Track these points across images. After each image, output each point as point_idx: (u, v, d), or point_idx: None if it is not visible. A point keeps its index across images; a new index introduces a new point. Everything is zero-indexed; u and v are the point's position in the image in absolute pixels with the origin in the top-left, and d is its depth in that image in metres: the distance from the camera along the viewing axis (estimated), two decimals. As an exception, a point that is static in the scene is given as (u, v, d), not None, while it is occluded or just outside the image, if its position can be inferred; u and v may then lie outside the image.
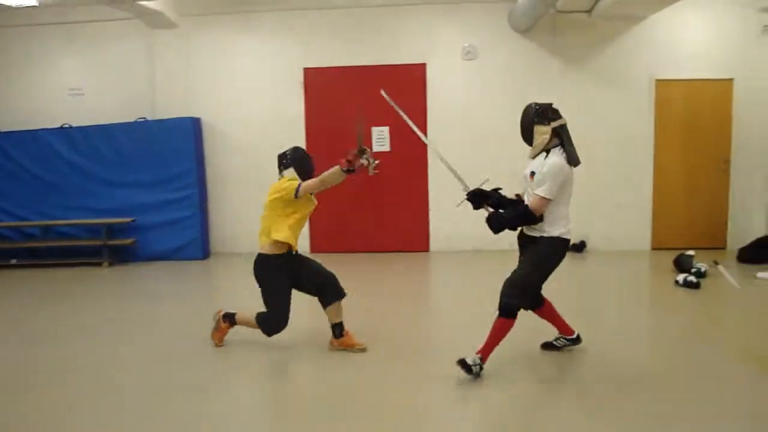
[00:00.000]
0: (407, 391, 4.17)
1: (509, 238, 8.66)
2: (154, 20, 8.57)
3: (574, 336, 4.73)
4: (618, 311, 5.99)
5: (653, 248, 8.67)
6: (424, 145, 8.71)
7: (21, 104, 9.28)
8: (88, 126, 8.90)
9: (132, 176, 8.69)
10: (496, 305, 4.18)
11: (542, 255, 4.20)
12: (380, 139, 8.67)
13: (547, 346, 4.77)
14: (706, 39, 8.41)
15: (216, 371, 4.66)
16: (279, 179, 4.81)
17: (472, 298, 6.56)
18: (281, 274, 4.75)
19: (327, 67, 8.79)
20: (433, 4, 8.63)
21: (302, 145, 8.67)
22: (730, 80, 8.41)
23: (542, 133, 4.18)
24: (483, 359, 4.15)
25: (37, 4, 8.43)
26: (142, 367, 4.70)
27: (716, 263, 7.32)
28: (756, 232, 8.16)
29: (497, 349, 4.21)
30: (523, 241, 4.39)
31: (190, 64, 8.94)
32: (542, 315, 4.67)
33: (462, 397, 4.06)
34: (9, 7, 8.59)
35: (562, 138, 4.19)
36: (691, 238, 8.49)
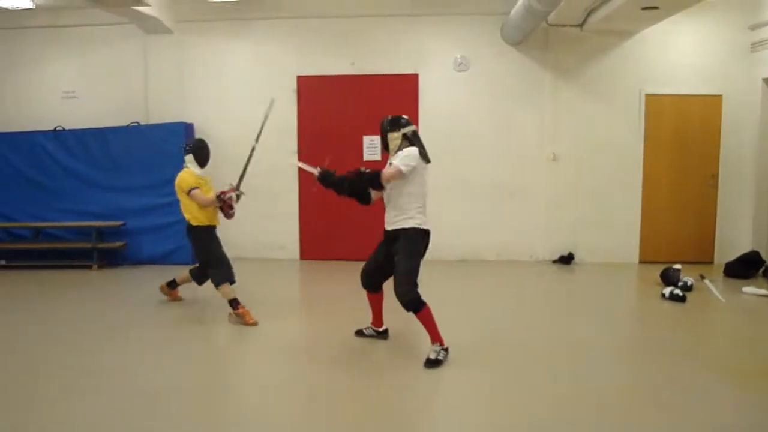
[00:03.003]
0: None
1: (495, 248, 8.84)
2: (148, 25, 8.61)
3: (382, 329, 5.33)
4: (601, 323, 6.01)
5: (641, 261, 8.72)
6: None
7: (14, 106, 9.29)
8: (81, 129, 8.91)
9: (123, 180, 8.70)
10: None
11: (413, 244, 4.73)
12: (371, 147, 8.70)
13: (358, 332, 5.41)
14: (695, 55, 8.51)
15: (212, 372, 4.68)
16: (183, 165, 6.10)
17: (454, 304, 6.58)
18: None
19: (320, 76, 8.84)
20: (426, 15, 8.70)
21: (295, 151, 8.75)
22: (719, 96, 8.50)
23: (394, 138, 4.80)
24: (441, 343, 4.69)
25: (32, 7, 8.49)
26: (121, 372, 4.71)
27: (702, 277, 7.39)
28: (743, 247, 8.23)
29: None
30: (387, 236, 4.92)
31: (183, 70, 8.97)
32: (371, 299, 5.23)
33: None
34: (4, 9, 8.64)
35: (411, 140, 4.78)
36: (679, 251, 8.55)
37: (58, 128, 9.01)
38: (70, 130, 8.95)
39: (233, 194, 5.87)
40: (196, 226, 5.98)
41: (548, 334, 5.66)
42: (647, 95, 8.55)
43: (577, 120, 8.64)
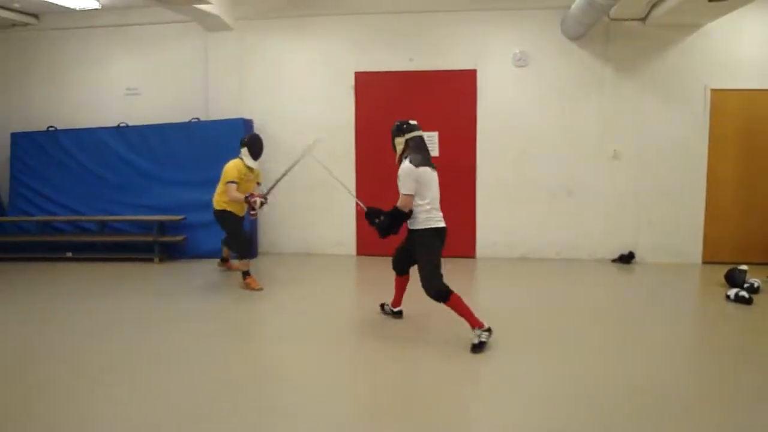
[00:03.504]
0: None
1: (555, 246, 8.74)
2: (209, 23, 8.75)
3: (397, 309, 5.84)
4: (662, 324, 5.85)
5: (704, 262, 8.49)
6: (474, 151, 8.76)
7: (80, 103, 9.59)
8: (143, 125, 9.14)
9: (184, 175, 8.88)
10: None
11: (425, 243, 5.12)
12: (429, 144, 8.60)
13: (381, 306, 6.00)
14: (764, 48, 8.23)
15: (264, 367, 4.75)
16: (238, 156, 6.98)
17: (512, 302, 6.54)
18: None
19: (378, 72, 8.86)
20: (486, 10, 8.63)
21: (352, 148, 8.83)
22: (790, 91, 8.21)
23: (399, 143, 5.26)
24: (480, 326, 4.95)
25: (98, 7, 8.73)
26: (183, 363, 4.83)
27: (770, 279, 7.17)
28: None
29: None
30: (408, 234, 5.35)
31: (243, 67, 9.10)
32: (397, 282, 5.74)
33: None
34: (71, 9, 8.91)
35: (414, 147, 5.18)
36: (744, 252, 8.29)
37: (121, 125, 9.24)
38: (133, 126, 9.18)
39: (258, 200, 6.76)
40: (229, 211, 6.95)
41: (607, 333, 5.57)
42: (713, 90, 8.30)
43: (638, 116, 8.44)
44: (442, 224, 5.20)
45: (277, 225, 9.24)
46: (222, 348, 5.22)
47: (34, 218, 9.24)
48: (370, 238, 8.97)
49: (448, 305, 4.99)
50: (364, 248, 9.07)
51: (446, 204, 8.80)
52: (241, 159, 6.94)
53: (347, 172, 8.70)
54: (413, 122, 5.31)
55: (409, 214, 5.15)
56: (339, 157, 8.58)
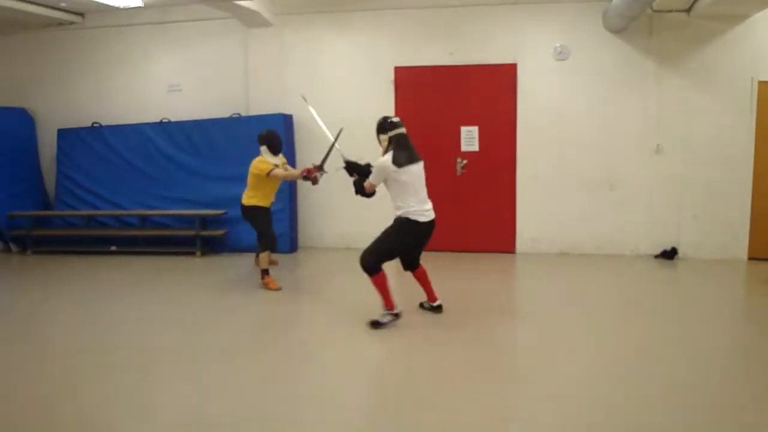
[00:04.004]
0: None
1: (596, 241, 8.63)
2: (249, 19, 8.82)
3: (436, 304, 5.85)
4: (706, 323, 5.74)
5: (750, 258, 8.31)
6: (514, 145, 8.70)
7: (123, 99, 9.76)
8: (185, 121, 9.27)
9: (225, 170, 8.97)
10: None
11: (391, 229, 5.44)
12: (469, 138, 8.67)
13: (421, 305, 5.98)
14: (814, 39, 8.03)
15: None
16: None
17: (551, 298, 6.49)
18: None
19: (418, 66, 8.83)
20: (525, 3, 8.55)
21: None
22: (841, 82, 7.99)
23: (383, 140, 5.48)
24: (391, 309, 5.43)
25: (141, 5, 8.87)
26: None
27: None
28: None
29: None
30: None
31: (283, 62, 9.16)
32: (416, 278, 5.84)
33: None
34: (114, 8, 9.07)
35: (397, 143, 5.39)
36: (793, 248, 8.11)
37: (164, 120, 9.39)
38: (175, 122, 9.32)
39: (317, 174, 6.63)
40: (259, 206, 6.91)
41: (650, 332, 5.48)
42: (760, 82, 8.10)
43: (682, 110, 8.28)
44: (425, 219, 5.41)
45: (316, 219, 9.30)
46: (263, 339, 5.34)
47: (79, 213, 9.44)
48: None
49: (372, 280, 5.38)
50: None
51: (486, 198, 8.88)
52: (261, 156, 6.85)
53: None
54: (396, 119, 5.54)
55: (370, 195, 5.61)
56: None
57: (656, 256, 8.49)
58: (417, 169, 5.42)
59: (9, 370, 4.56)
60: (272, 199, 7.07)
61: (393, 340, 5.23)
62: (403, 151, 5.36)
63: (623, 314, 6.06)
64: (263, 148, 6.84)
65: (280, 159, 6.99)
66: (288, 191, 8.81)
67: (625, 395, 4.07)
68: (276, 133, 6.98)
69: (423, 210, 5.40)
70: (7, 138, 9.45)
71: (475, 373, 4.49)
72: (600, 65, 8.49)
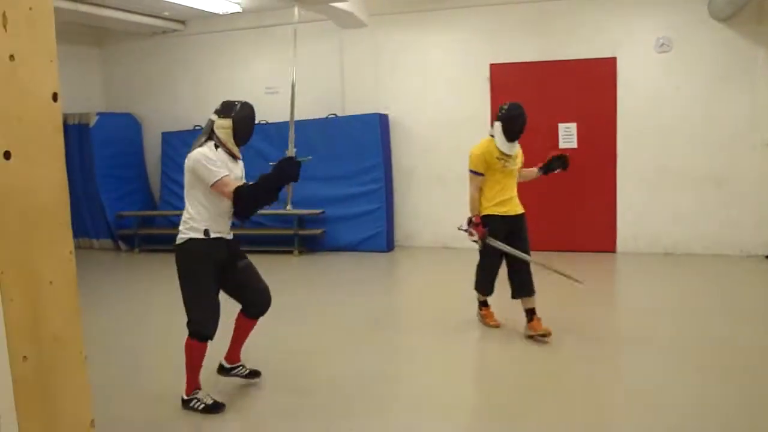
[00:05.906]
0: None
1: (702, 241, 8.27)
2: (344, 20, 8.94)
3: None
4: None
5: None
6: (614, 141, 8.47)
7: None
8: (282, 122, 9.47)
9: (322, 170, 9.11)
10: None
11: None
12: (567, 135, 8.51)
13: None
14: None
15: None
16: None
17: (655, 301, 6.30)
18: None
19: (514, 63, 8.75)
20: (625, -6, 8.33)
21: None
22: None
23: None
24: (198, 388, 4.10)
25: (240, 10, 9.15)
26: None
27: None
28: None
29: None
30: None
31: (377, 62, 9.27)
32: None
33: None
34: (215, 14, 9.39)
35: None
36: None
37: (261, 122, 9.62)
38: (273, 123, 9.55)
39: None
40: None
41: (758, 339, 5.12)
42: None
43: (796, 101, 7.89)
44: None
45: (410, 218, 9.35)
46: (360, 337, 5.46)
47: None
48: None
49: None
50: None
51: (585, 196, 8.67)
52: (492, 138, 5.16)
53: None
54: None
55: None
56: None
57: (767, 257, 8.09)
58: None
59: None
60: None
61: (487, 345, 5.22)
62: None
63: (731, 320, 5.60)
64: (497, 126, 5.11)
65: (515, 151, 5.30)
66: (384, 190, 8.91)
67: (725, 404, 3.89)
68: (520, 111, 5.11)
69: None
70: (117, 142, 9.96)
71: (568, 377, 4.44)
72: (705, 56, 8.16)
